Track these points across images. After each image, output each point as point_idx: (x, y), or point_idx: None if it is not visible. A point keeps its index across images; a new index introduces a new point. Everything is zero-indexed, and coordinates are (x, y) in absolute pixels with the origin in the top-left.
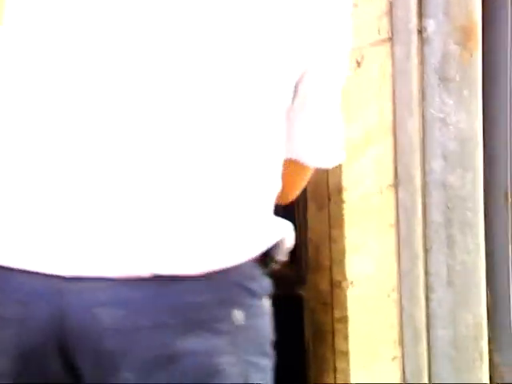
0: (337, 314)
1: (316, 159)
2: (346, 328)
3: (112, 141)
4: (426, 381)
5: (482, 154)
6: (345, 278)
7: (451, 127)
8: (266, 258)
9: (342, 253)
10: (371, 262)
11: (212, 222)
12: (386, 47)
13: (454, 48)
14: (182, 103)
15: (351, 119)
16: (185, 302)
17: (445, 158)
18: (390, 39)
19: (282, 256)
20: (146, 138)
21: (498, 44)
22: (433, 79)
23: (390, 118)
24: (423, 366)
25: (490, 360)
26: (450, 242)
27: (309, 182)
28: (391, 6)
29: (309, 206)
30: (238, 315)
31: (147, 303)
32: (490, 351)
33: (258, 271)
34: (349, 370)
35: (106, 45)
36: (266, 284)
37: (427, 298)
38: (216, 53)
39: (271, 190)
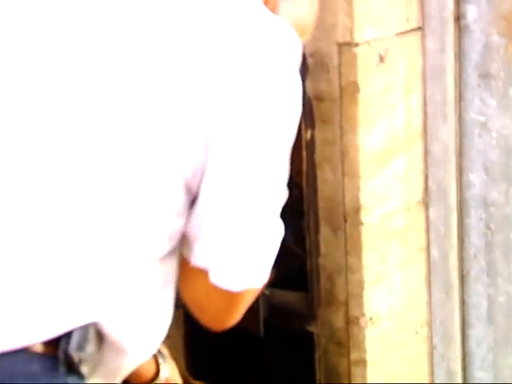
0: (353, 355)
1: (217, 274)
2: (365, 373)
3: None
4: None
5: None
6: (363, 314)
7: (493, 133)
8: (58, 353)
9: (360, 284)
10: (395, 295)
11: None
12: (416, 38)
13: (497, 40)
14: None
15: (372, 124)
16: None
17: (486, 169)
18: (421, 29)
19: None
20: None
21: None
22: (472, 76)
23: (420, 122)
24: None
25: None
26: (492, 270)
27: (322, 200)
28: None
29: (321, 228)
30: None
31: None
32: None
33: (40, 366)
34: None
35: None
36: (61, 380)
37: (463, 336)
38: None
39: (75, 268)
